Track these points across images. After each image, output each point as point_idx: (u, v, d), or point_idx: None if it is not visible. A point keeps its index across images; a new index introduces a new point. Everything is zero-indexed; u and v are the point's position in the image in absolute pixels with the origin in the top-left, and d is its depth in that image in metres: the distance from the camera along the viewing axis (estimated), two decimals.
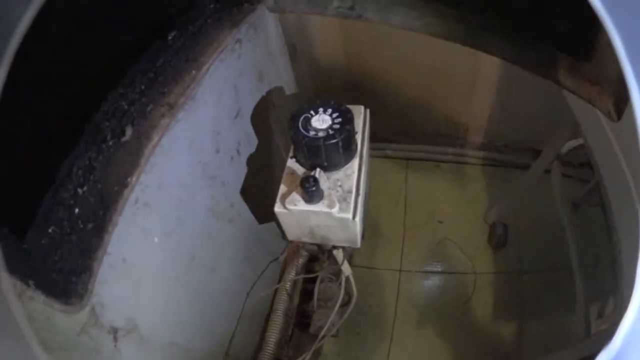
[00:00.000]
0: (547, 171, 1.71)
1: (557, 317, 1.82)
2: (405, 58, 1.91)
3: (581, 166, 1.98)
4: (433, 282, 2.05)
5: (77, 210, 0.72)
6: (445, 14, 1.07)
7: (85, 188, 0.74)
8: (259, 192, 1.31)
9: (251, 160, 1.26)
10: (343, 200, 0.91)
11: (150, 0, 0.92)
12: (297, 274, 1.52)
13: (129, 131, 0.79)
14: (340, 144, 0.91)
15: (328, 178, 0.94)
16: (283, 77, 1.43)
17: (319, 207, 0.89)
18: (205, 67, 0.92)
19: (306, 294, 1.63)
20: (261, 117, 1.28)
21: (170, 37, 0.97)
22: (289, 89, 1.48)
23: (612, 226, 1.02)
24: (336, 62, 1.99)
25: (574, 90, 0.98)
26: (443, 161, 2.34)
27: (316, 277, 1.61)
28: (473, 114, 2.13)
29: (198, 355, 1.13)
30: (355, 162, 0.97)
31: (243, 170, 1.24)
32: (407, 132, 2.27)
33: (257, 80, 1.24)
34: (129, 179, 0.74)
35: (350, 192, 0.93)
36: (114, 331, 0.81)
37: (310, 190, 0.87)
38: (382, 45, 1.88)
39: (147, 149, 0.78)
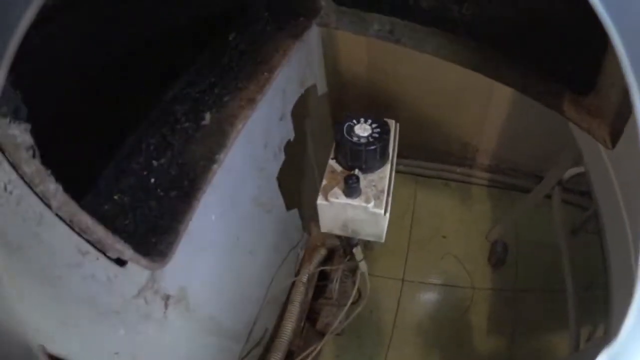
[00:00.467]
0: (549, 196, 1.81)
1: (548, 336, 1.94)
2: (423, 78, 2.04)
3: (582, 194, 2.10)
4: (433, 293, 2.16)
5: (152, 180, 0.83)
6: (469, 45, 1.25)
7: (162, 160, 0.86)
8: (289, 190, 1.47)
9: (287, 159, 1.41)
10: (376, 198, 1.08)
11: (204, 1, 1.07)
12: (313, 269, 1.68)
13: (207, 117, 0.93)
14: (378, 150, 1.09)
15: (364, 179, 1.12)
16: (319, 86, 1.59)
17: (358, 201, 1.06)
18: (276, 71, 1.07)
19: (317, 291, 1.77)
20: (299, 121, 1.44)
21: (231, 38, 1.13)
22: (323, 97, 1.66)
23: (606, 252, 1.09)
24: (358, 76, 2.12)
25: (575, 121, 1.08)
26: (451, 179, 2.47)
27: (328, 276, 1.77)
28: (483, 136, 2.26)
29: (228, 333, 1.24)
30: (387, 167, 1.14)
31: (280, 167, 1.38)
32: (418, 148, 2.39)
33: (299, 87, 1.41)
34: (216, 156, 0.87)
35: (383, 191, 1.10)
36: (166, 298, 0.88)
37: (352, 186, 1.04)
38: (402, 65, 2.01)
39: (233, 134, 0.91)
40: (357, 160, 1.10)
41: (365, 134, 1.10)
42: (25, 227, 0.52)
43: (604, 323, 1.61)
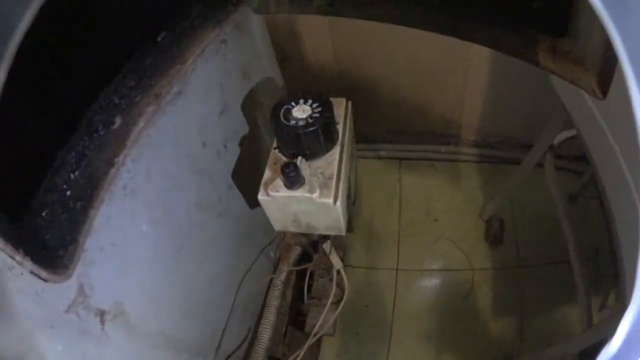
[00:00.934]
0: (541, 165, 1.72)
1: (558, 310, 1.85)
2: (395, 59, 1.96)
3: (576, 159, 2.05)
4: (430, 280, 2.07)
5: (69, 192, 0.79)
6: (422, 3, 1.11)
7: (77, 173, 0.81)
8: (246, 187, 1.35)
9: (242, 155, 1.31)
10: (324, 186, 0.96)
11: (142, 5, 0.98)
12: (288, 268, 1.55)
13: (118, 120, 0.86)
14: (319, 131, 0.96)
15: (310, 166, 0.99)
16: (270, 77, 1.47)
17: (300, 192, 0.94)
18: (189, 62, 0.98)
19: (301, 292, 1.66)
20: (248, 114, 1.33)
21: (159, 39, 1.04)
22: (276, 88, 1.53)
23: (610, 216, 1.02)
24: (326, 65, 2.03)
25: (556, 72, 1.00)
26: (437, 160, 2.37)
27: (311, 277, 1.64)
28: (466, 111, 2.17)
29: (188, 347, 1.16)
30: (336, 150, 1.02)
31: (230, 165, 1.28)
32: (399, 132, 2.32)
33: (242, 78, 1.29)
34: (115, 159, 0.80)
35: (331, 178, 0.98)
36: (101, 313, 0.84)
37: (290, 176, 0.91)
38: (372, 48, 1.93)
39: (133, 133, 0.84)
40: (298, 147, 0.99)
41: (305, 115, 0.98)
42: None
43: (615, 290, 1.57)
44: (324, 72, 2.06)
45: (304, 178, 0.95)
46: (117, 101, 0.91)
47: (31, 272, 0.65)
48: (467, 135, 2.29)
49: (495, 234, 2.06)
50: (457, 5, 1.09)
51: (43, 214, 0.76)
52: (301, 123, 0.96)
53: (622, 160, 0.90)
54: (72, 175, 0.81)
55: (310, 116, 0.97)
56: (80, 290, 0.78)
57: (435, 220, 2.20)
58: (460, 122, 2.23)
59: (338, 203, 0.97)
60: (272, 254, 1.64)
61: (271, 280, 1.51)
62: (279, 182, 0.95)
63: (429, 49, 1.85)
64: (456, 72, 1.98)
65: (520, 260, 2.03)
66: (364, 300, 2.01)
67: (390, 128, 2.30)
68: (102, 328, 0.84)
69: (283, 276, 1.51)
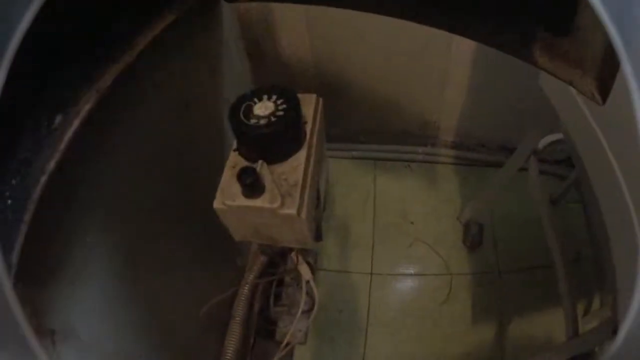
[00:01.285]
0: (522, 169, 1.68)
1: (538, 315, 1.81)
2: (373, 57, 1.89)
3: (557, 163, 2.02)
4: (406, 284, 2.00)
5: (9, 201, 0.68)
6: None
7: (18, 179, 0.70)
8: (208, 193, 1.23)
9: (201, 157, 1.18)
10: (287, 195, 0.85)
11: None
12: (255, 278, 1.44)
13: (58, 119, 0.74)
14: (282, 132, 0.85)
15: (272, 172, 0.87)
16: (238, 73, 1.36)
17: (260, 202, 0.83)
18: (136, 50, 0.85)
19: (269, 300, 1.58)
20: (213, 111, 1.21)
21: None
22: (246, 82, 1.42)
23: (595, 221, 1.02)
24: (302, 62, 1.96)
25: (553, 72, 0.94)
26: (413, 161, 2.30)
27: (280, 283, 1.53)
28: (444, 112, 2.11)
29: None
30: (302, 153, 0.91)
31: (192, 167, 1.17)
32: (375, 132, 2.25)
33: (208, 72, 1.17)
34: (46, 165, 0.69)
35: (296, 185, 0.87)
36: (51, 333, 0.76)
37: (247, 184, 0.79)
38: (350, 44, 1.86)
39: (67, 135, 0.72)
40: (260, 149, 0.87)
41: (267, 113, 0.85)
42: None
43: (599, 295, 1.61)
44: (300, 68, 1.98)
45: (264, 186, 0.83)
46: (69, 94, 0.78)
47: None
48: (445, 136, 2.22)
49: (473, 238, 2.00)
50: None
51: None
52: (263, 122, 0.84)
53: (616, 165, 0.86)
54: (13, 181, 0.69)
55: (274, 114, 0.85)
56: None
57: (412, 223, 2.12)
58: (438, 123, 2.16)
59: (303, 214, 0.85)
60: (237, 261, 1.52)
61: (237, 290, 1.40)
62: (236, 189, 0.83)
63: (408, 47, 1.80)
64: (436, 72, 1.92)
65: (500, 265, 1.97)
66: (338, 305, 1.93)
67: (366, 127, 2.22)
68: (54, 350, 0.76)
69: (249, 281, 1.41)
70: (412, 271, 2.01)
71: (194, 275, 1.29)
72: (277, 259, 1.26)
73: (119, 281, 0.95)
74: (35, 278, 0.71)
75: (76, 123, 0.74)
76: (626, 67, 0.38)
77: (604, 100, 0.85)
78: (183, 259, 1.21)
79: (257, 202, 0.82)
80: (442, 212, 2.13)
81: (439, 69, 1.89)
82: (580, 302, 1.53)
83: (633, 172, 0.82)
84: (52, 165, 0.67)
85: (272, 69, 1.92)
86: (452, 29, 1.04)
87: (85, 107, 0.76)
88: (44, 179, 0.66)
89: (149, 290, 1.06)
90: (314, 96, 1.02)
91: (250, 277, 1.41)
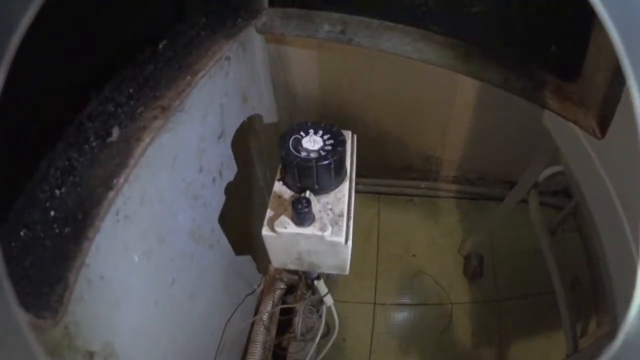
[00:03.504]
0: (522, 201, 1.71)
1: (537, 341, 1.83)
2: (379, 93, 1.91)
3: (555, 194, 2.05)
4: (408, 314, 2.00)
5: (52, 213, 0.65)
6: (438, 41, 1.06)
7: (63, 189, 0.67)
8: (237, 220, 1.24)
9: (231, 184, 1.19)
10: (335, 223, 0.85)
11: (138, 9, 0.86)
12: (274, 306, 1.44)
13: (115, 132, 0.72)
14: (332, 165, 0.87)
15: (318, 201, 0.88)
16: (265, 102, 1.37)
17: (311, 230, 0.83)
18: (200, 74, 0.86)
19: (282, 326, 1.58)
20: (243, 140, 1.22)
21: (160, 46, 0.92)
22: (270, 115, 1.43)
23: (592, 245, 1.06)
24: (311, 94, 1.96)
25: (560, 113, 0.98)
26: (416, 195, 2.32)
27: (292, 309, 1.53)
28: (446, 147, 2.13)
29: None
30: (345, 186, 0.92)
31: (223, 194, 1.17)
32: (379, 166, 2.25)
33: (241, 102, 1.18)
34: (114, 181, 0.66)
35: (341, 215, 0.87)
36: (90, 356, 0.72)
37: (302, 212, 0.80)
38: (357, 80, 1.87)
39: (137, 151, 0.70)
40: (308, 180, 0.87)
41: (316, 147, 0.87)
42: None
43: (596, 317, 1.57)
44: (308, 99, 1.99)
45: (313, 215, 0.85)
46: (112, 109, 0.77)
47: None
48: (447, 171, 2.24)
49: (474, 269, 2.02)
50: (471, 46, 1.05)
51: (21, 233, 0.62)
52: (313, 155, 0.85)
53: (614, 194, 0.89)
54: (57, 192, 0.67)
55: (322, 148, 0.87)
56: (66, 331, 0.66)
57: (414, 255, 2.13)
58: (440, 158, 2.18)
59: (349, 242, 0.86)
60: (255, 286, 1.51)
61: (256, 312, 1.40)
62: (286, 217, 0.84)
63: (413, 85, 1.82)
64: (439, 109, 1.94)
65: (499, 293, 1.99)
66: (341, 333, 1.89)
67: (370, 162, 2.20)
68: None
69: (268, 308, 1.41)
70: (414, 301, 2.01)
71: (219, 300, 1.27)
72: (302, 288, 1.26)
73: (156, 302, 0.92)
74: (82, 295, 0.67)
75: (146, 139, 0.73)
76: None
77: (603, 134, 0.89)
78: (211, 284, 1.20)
79: (308, 230, 0.82)
80: (444, 244, 2.15)
81: (443, 107, 1.91)
82: (577, 324, 1.50)
83: (629, 196, 0.85)
84: (121, 180, 0.66)
85: (279, 98, 1.92)
86: (471, 75, 1.09)
87: (155, 124, 0.76)
88: (111, 194, 0.65)
89: (180, 312, 1.03)
90: (349, 132, 1.04)
91: (268, 305, 1.41)
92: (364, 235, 2.20)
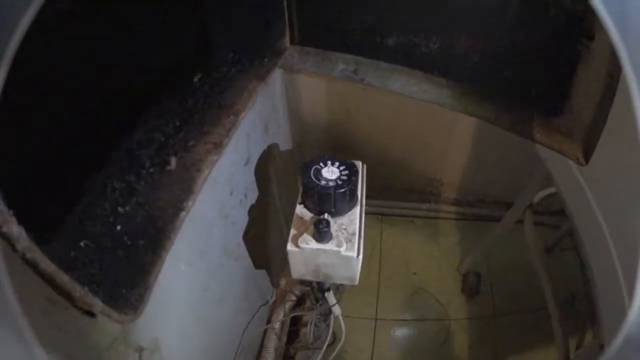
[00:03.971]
0: (519, 221, 1.82)
1: (531, 355, 1.95)
2: (384, 120, 2.06)
3: (552, 214, 2.14)
4: (408, 329, 2.13)
5: (118, 227, 0.81)
6: (439, 83, 1.26)
7: (127, 208, 0.84)
8: (257, 237, 1.43)
9: (253, 206, 1.38)
10: (348, 241, 1.06)
11: (168, 41, 1.06)
12: (285, 315, 1.63)
13: (173, 161, 0.91)
14: (347, 192, 1.07)
15: (334, 222, 1.09)
16: (282, 131, 1.58)
17: (329, 246, 1.03)
18: (242, 115, 1.06)
19: (290, 336, 1.75)
20: (264, 166, 1.41)
21: (195, 80, 1.12)
22: (286, 142, 1.64)
23: (586, 264, 1.09)
24: (320, 119, 2.10)
25: (547, 145, 1.12)
26: (417, 216, 2.46)
27: (300, 320, 1.72)
28: (447, 171, 2.27)
29: None
30: (357, 209, 1.12)
31: (247, 214, 1.35)
32: (382, 188, 2.40)
33: (264, 132, 1.39)
34: (184, 204, 0.84)
35: (354, 234, 1.07)
36: (140, 350, 0.86)
37: (323, 231, 1.01)
38: (363, 107, 2.02)
39: (200, 179, 0.89)
40: (327, 204, 1.07)
41: (334, 177, 1.07)
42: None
43: (592, 331, 1.64)
44: (317, 125, 2.12)
45: (331, 234, 1.06)
46: (162, 139, 0.96)
47: (100, 314, 0.66)
48: (448, 193, 2.37)
49: (472, 287, 2.15)
50: (467, 88, 1.25)
51: (81, 244, 0.75)
52: (331, 184, 1.06)
53: (600, 217, 0.98)
54: (120, 209, 0.84)
55: (339, 178, 1.08)
56: (124, 327, 0.79)
57: (414, 273, 2.27)
58: (441, 181, 2.32)
59: (360, 257, 1.07)
60: (268, 298, 1.71)
61: (268, 321, 1.60)
62: (308, 235, 1.05)
63: (415, 112, 1.96)
64: (439, 135, 2.07)
65: (497, 309, 2.11)
66: (344, 345, 2.02)
67: (374, 184, 2.30)
68: None
69: (280, 318, 1.60)
70: (414, 317, 2.13)
71: (241, 307, 1.45)
72: (319, 294, 1.45)
73: (193, 306, 1.10)
74: (139, 300, 0.78)
75: (206, 171, 0.92)
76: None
77: (587, 161, 1.00)
78: (236, 292, 1.37)
79: (327, 246, 1.03)
80: (443, 263, 2.28)
81: (444, 132, 2.04)
82: (573, 338, 1.60)
83: (614, 217, 0.94)
84: (190, 204, 0.85)
85: (291, 122, 1.99)
86: (467, 113, 1.26)
87: (211, 158, 0.94)
88: (183, 214, 0.84)
89: (210, 316, 1.21)
90: (360, 163, 1.25)
91: (281, 313, 1.61)
92: (367, 254, 2.22)
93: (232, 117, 1.05)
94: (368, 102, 1.99)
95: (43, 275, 0.54)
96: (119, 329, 0.78)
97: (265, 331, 1.57)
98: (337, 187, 1.05)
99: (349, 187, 1.06)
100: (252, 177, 1.36)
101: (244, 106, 1.09)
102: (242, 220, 1.33)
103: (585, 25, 0.95)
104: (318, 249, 1.03)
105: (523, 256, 1.87)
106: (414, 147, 2.20)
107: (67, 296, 0.60)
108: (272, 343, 1.54)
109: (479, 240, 2.19)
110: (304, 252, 1.05)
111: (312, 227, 1.04)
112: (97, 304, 0.64)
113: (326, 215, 1.06)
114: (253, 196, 1.38)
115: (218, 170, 1.06)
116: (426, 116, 1.99)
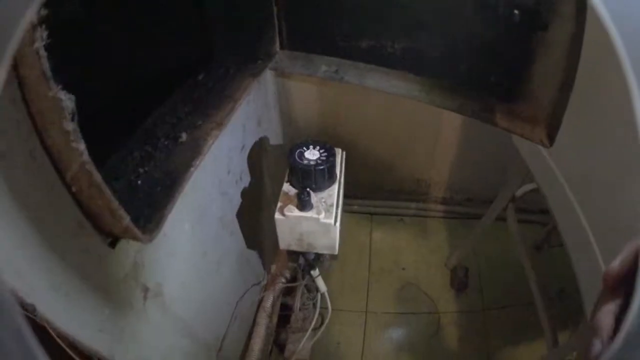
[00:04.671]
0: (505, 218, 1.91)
1: (523, 349, 2.09)
2: (373, 124, 2.25)
3: (542, 212, 2.27)
4: (398, 321, 2.26)
5: (139, 182, 1.00)
6: (408, 79, 1.50)
7: (146, 168, 1.04)
8: (249, 219, 1.68)
9: (247, 189, 1.62)
10: (327, 211, 1.32)
11: (178, 48, 1.36)
12: (275, 296, 1.87)
13: (184, 136, 1.16)
14: (325, 170, 1.33)
15: (315, 196, 1.35)
16: (274, 127, 1.84)
17: (310, 213, 1.29)
18: (239, 102, 1.34)
19: (282, 321, 1.98)
20: (257, 156, 1.67)
21: (200, 77, 1.41)
22: (277, 138, 1.92)
23: (566, 250, 1.17)
24: (311, 121, 2.29)
25: (510, 130, 1.24)
26: (406, 215, 2.66)
27: (291, 306, 1.97)
28: (435, 171, 2.47)
29: (200, 340, 1.39)
30: (335, 186, 1.38)
31: (241, 195, 1.60)
32: (372, 188, 2.59)
33: (257, 125, 1.66)
34: (194, 161, 1.08)
35: (332, 205, 1.33)
36: (145, 290, 1.00)
37: (304, 200, 1.27)
38: (352, 109, 2.21)
39: (206, 146, 1.14)
40: (308, 180, 1.33)
41: (314, 157, 1.34)
42: (41, 192, 0.65)
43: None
44: (309, 127, 2.29)
45: (312, 204, 1.33)
46: (175, 120, 1.22)
47: (126, 228, 0.77)
48: (436, 192, 2.58)
49: (460, 281, 2.31)
50: (432, 81, 1.48)
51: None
52: (312, 163, 1.33)
53: (574, 200, 1.06)
54: (140, 170, 1.04)
55: (319, 158, 1.35)
56: (134, 264, 0.94)
57: (403, 269, 2.44)
58: (429, 180, 2.52)
59: (337, 224, 1.32)
60: (261, 279, 1.94)
61: (260, 302, 1.84)
62: (292, 206, 1.32)
63: (402, 113, 2.16)
64: (427, 136, 2.26)
65: (485, 303, 2.27)
66: (335, 338, 2.20)
67: (364, 185, 2.57)
68: (144, 304, 1.01)
69: (270, 300, 1.85)
70: (403, 310, 2.27)
71: (235, 279, 1.66)
72: (305, 268, 1.69)
73: (194, 264, 1.30)
74: (155, 226, 0.91)
75: (210, 141, 1.16)
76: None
77: (551, 143, 1.10)
78: (230, 264, 1.58)
79: (309, 214, 1.27)
80: (432, 260, 2.45)
81: (431, 133, 2.23)
82: (562, 333, 1.67)
83: (588, 201, 1.02)
84: (198, 162, 1.09)
85: (284, 123, 2.19)
86: (434, 104, 1.46)
87: (214, 133, 1.20)
88: (192, 169, 1.06)
89: (207, 277, 1.41)
90: (340, 149, 1.51)
91: (271, 295, 1.85)
92: (357, 252, 2.52)
93: (231, 104, 1.32)
94: (357, 106, 2.17)
95: (91, 187, 0.69)
96: (131, 263, 0.93)
97: (257, 309, 1.81)
98: (316, 165, 1.32)
99: (327, 165, 1.32)
100: (246, 163, 1.61)
101: (240, 96, 1.36)
102: (237, 200, 1.57)
103: (538, 17, 1.06)
104: (300, 216, 1.30)
105: (509, 250, 2.03)
106: (402, 149, 2.38)
107: (98, 218, 0.75)
108: (263, 320, 1.76)
109: (467, 237, 2.34)
110: (289, 220, 1.31)
111: (296, 200, 1.31)
112: (126, 218, 0.74)
113: (308, 189, 1.34)
114: (247, 180, 1.62)
115: (218, 149, 1.31)
116: (413, 119, 2.17)
